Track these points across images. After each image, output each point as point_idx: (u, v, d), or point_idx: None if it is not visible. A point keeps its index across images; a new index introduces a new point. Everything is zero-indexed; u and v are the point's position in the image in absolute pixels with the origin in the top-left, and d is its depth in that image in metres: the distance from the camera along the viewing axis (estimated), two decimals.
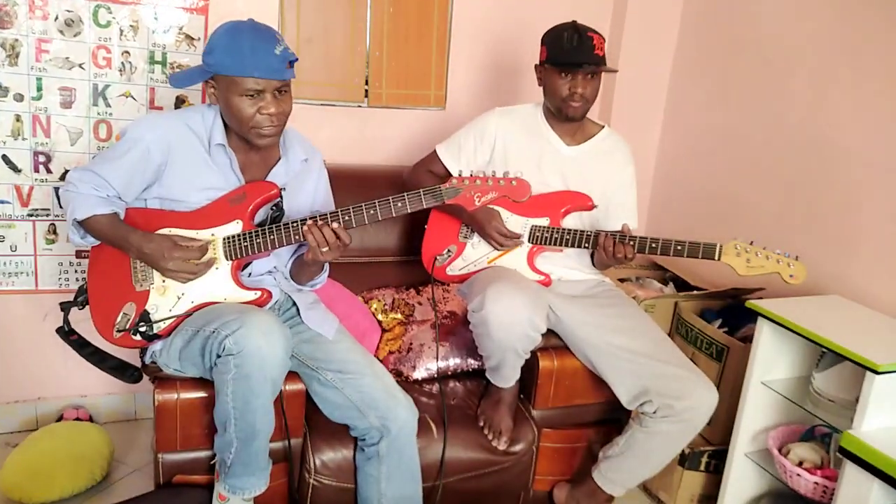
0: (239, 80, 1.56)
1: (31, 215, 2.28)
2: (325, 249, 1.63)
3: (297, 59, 1.61)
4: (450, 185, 1.63)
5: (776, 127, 2.39)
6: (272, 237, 1.66)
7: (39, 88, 2.18)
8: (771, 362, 2.00)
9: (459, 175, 1.64)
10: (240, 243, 1.68)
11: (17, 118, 2.19)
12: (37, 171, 2.25)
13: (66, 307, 1.81)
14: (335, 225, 1.62)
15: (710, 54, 2.68)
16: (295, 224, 1.65)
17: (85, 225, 1.66)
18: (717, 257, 1.84)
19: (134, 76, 2.27)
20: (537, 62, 2.06)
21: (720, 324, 2.30)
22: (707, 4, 2.70)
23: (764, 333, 1.95)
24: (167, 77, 2.29)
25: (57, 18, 2.14)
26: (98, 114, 2.26)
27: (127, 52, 2.24)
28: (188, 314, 1.69)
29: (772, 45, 2.41)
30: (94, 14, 2.18)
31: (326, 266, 1.89)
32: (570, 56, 1.94)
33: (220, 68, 1.57)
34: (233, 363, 1.52)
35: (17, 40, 2.13)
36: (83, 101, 2.23)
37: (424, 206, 1.64)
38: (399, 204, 1.64)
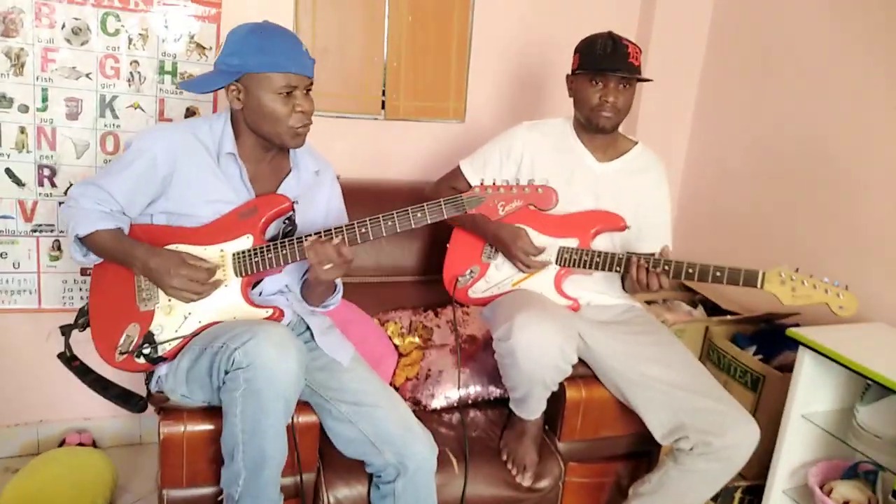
0: (274, 76, 1.52)
1: (35, 231, 2.19)
2: (327, 267, 1.53)
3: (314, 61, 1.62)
4: (472, 195, 1.54)
5: (811, 143, 2.27)
6: (283, 252, 1.58)
7: (45, 99, 2.09)
8: (812, 394, 1.89)
9: (481, 183, 1.54)
10: (250, 259, 1.60)
11: (22, 130, 2.10)
12: (41, 184, 2.16)
13: (66, 331, 1.73)
14: (336, 241, 1.53)
15: (740, 67, 2.58)
16: (308, 238, 1.57)
17: (87, 242, 1.59)
18: (759, 285, 1.71)
19: (143, 87, 2.18)
20: (568, 72, 1.96)
21: (754, 350, 2.18)
22: (737, 16, 2.60)
23: (805, 364, 1.85)
24: (176, 86, 2.21)
25: (64, 26, 2.06)
26: (105, 125, 2.17)
27: (136, 62, 2.16)
28: (195, 334, 1.60)
29: (806, 57, 2.30)
30: (103, 22, 2.09)
31: (340, 287, 1.81)
32: (603, 62, 1.84)
33: (251, 67, 1.52)
34: (242, 377, 1.42)
35: (22, 49, 2.04)
36: (90, 113, 2.15)
37: (445, 217, 1.55)
38: (419, 215, 1.55)
